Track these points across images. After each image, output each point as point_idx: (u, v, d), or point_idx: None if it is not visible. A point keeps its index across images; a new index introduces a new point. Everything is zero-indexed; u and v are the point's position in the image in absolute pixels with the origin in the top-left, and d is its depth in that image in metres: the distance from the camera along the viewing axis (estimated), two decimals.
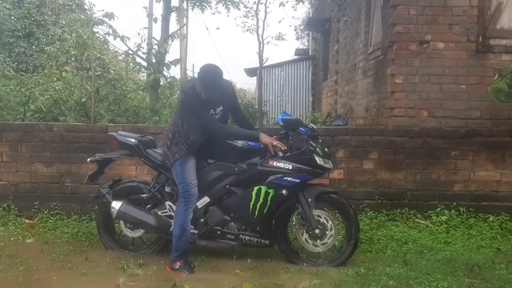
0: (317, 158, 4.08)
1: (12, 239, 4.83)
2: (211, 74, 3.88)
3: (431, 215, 5.34)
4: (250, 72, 17.72)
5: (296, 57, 17.17)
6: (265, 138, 4.02)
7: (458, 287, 3.61)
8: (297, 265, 4.14)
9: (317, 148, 4.11)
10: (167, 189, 4.36)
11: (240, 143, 4.23)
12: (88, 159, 4.53)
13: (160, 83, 7.68)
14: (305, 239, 4.17)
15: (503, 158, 5.50)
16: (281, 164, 4.05)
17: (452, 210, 5.35)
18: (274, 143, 3.98)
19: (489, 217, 5.30)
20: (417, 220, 5.33)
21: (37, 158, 5.61)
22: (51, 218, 5.40)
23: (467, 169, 5.50)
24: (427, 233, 5.01)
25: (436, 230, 5.08)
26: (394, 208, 5.45)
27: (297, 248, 4.32)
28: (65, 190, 5.59)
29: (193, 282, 3.73)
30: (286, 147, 4.04)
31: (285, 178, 4.03)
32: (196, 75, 4.30)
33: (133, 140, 4.35)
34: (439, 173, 5.50)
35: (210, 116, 4.00)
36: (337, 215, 4.54)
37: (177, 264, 3.98)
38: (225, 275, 3.93)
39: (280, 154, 4.08)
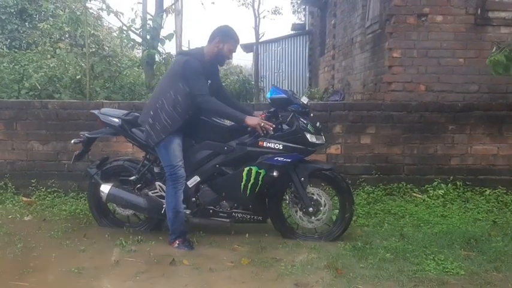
0: (308, 136, 3.98)
1: (10, 216, 4.83)
2: (235, 31, 4.05)
3: (428, 189, 5.36)
4: (247, 48, 17.53)
5: (293, 32, 16.99)
6: (251, 120, 3.89)
7: (454, 260, 3.65)
8: (294, 240, 4.16)
9: (308, 125, 4.00)
10: (156, 169, 4.26)
11: (228, 122, 4.10)
12: (72, 141, 4.40)
13: (156, 59, 7.60)
14: (299, 216, 4.17)
15: (500, 132, 5.50)
16: (271, 144, 3.96)
17: (449, 184, 5.38)
18: (262, 124, 3.86)
19: (486, 190, 5.33)
20: (414, 194, 5.35)
21: (33, 136, 5.58)
22: (49, 195, 5.40)
23: (465, 143, 5.50)
24: (424, 207, 5.04)
25: (433, 203, 5.11)
26: (391, 182, 5.46)
27: (293, 223, 4.32)
28: (62, 168, 5.57)
29: (191, 257, 3.75)
30: (273, 127, 3.90)
31: (275, 158, 3.96)
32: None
33: (116, 120, 4.20)
34: (436, 147, 5.50)
35: (205, 85, 3.90)
36: (331, 189, 4.55)
37: (176, 243, 3.98)
38: (223, 250, 3.95)
39: (271, 132, 3.97)
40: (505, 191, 5.34)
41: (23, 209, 5.03)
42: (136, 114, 4.31)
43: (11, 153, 5.60)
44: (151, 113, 3.97)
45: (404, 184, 5.44)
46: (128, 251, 3.89)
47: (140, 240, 4.09)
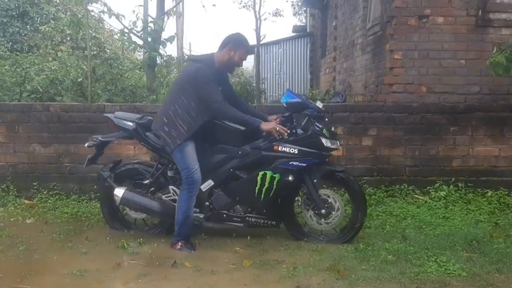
0: (324, 140, 3.98)
1: (12, 219, 4.83)
2: (247, 39, 4.07)
3: (430, 190, 5.36)
4: None
5: (294, 34, 17.00)
6: (266, 126, 3.91)
7: (456, 261, 3.64)
8: (296, 242, 4.16)
9: (324, 130, 4.00)
10: (169, 173, 4.25)
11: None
12: (86, 145, 4.38)
13: (157, 62, 7.61)
14: (310, 215, 4.16)
15: (502, 133, 5.49)
16: (286, 149, 3.96)
17: (451, 186, 5.37)
18: (277, 129, 3.88)
19: (487, 192, 5.33)
20: (416, 196, 5.35)
21: (34, 139, 5.58)
22: (51, 198, 5.40)
23: (466, 144, 5.50)
24: (426, 209, 5.03)
25: (435, 205, 5.11)
26: (392, 184, 5.46)
27: (302, 222, 4.30)
28: (64, 170, 5.57)
29: (193, 259, 3.75)
30: (288, 132, 3.91)
31: (290, 163, 3.95)
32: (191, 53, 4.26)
33: (130, 124, 4.18)
34: (437, 149, 5.50)
35: (218, 92, 3.89)
36: (345, 195, 4.52)
37: (178, 245, 3.98)
38: (225, 253, 3.95)
39: (286, 137, 3.95)
40: (506, 193, 5.33)
41: (25, 212, 5.04)
42: (150, 118, 4.31)
43: (13, 156, 5.61)
44: (165, 120, 3.97)
45: (406, 186, 5.44)
46: (130, 253, 3.90)
47: (142, 243, 4.09)
